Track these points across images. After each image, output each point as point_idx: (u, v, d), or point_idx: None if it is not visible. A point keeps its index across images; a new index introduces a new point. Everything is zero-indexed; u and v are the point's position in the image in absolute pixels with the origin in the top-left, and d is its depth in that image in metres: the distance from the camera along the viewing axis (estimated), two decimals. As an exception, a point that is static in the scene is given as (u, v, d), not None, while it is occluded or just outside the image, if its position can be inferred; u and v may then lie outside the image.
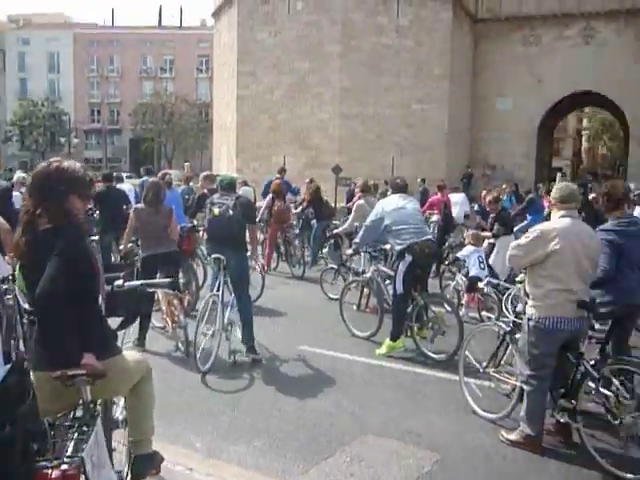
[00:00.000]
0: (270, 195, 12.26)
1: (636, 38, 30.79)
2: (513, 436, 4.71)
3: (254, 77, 29.39)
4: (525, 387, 4.58)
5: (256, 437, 4.82)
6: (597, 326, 5.57)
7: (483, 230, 9.57)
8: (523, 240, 4.56)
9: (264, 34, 29.11)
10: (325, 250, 11.59)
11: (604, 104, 36.01)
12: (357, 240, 7.45)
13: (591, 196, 13.67)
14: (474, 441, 4.84)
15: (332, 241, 11.50)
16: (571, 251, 4.37)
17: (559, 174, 31.05)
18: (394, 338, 6.86)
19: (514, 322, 4.89)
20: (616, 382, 4.47)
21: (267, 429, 4.98)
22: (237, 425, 5.06)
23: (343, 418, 5.22)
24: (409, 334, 7.00)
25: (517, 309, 4.88)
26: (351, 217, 9.93)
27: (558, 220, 4.51)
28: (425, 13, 28.87)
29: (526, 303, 4.61)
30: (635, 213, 10.91)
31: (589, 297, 4.56)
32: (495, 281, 6.73)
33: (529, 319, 4.50)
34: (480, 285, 7.41)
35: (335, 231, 10.80)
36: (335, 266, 9.92)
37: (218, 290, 6.52)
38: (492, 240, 8.92)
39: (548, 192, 17.75)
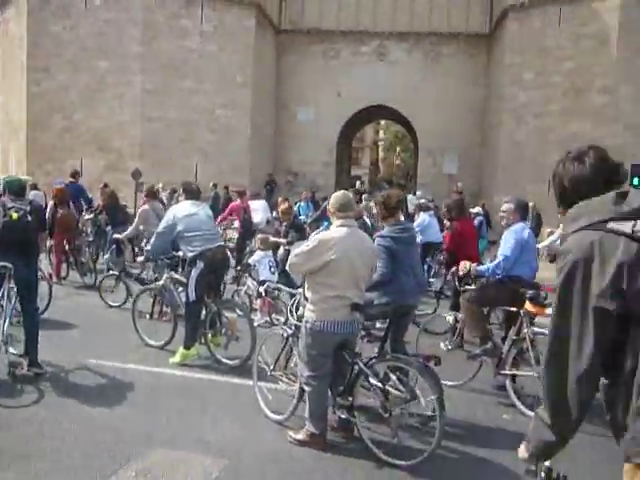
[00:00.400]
0: (52, 201, 11.50)
1: (424, 58, 33.60)
2: (300, 436, 4.87)
3: (47, 73, 27.50)
4: (306, 387, 4.76)
5: (28, 461, 4.47)
6: (378, 325, 5.98)
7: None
8: (303, 248, 4.72)
9: (58, 27, 27.35)
10: (107, 256, 11.11)
11: (397, 118, 38.79)
12: (149, 247, 7.26)
13: (364, 203, 14.52)
14: (264, 444, 4.93)
15: (114, 246, 11.05)
16: (347, 260, 4.60)
17: (358, 182, 32.86)
18: (187, 346, 6.78)
19: (296, 325, 5.06)
20: (393, 377, 4.81)
21: (43, 450, 4.64)
22: (8, 449, 4.65)
23: (130, 432, 5.04)
24: (203, 341, 6.97)
25: (299, 313, 5.06)
26: (135, 222, 9.67)
27: (336, 229, 4.73)
28: (229, 19, 29.02)
29: (305, 307, 4.80)
30: (419, 220, 11.87)
31: (364, 300, 4.85)
32: (273, 285, 6.93)
33: (306, 322, 4.69)
34: (260, 289, 7.58)
35: (116, 236, 10.38)
36: (117, 272, 9.53)
37: (2, 300, 6.03)
38: (287, 247, 9.17)
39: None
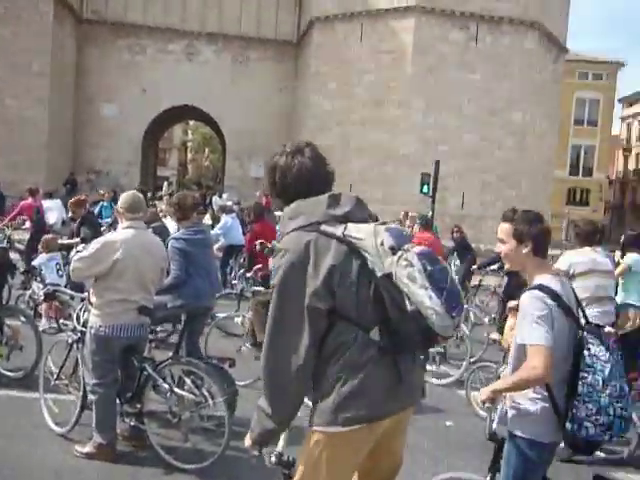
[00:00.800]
0: None
1: (232, 61, 33.74)
2: (87, 448, 4.62)
3: None
4: (92, 396, 4.55)
5: None
6: (159, 328, 5.87)
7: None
8: (86, 252, 4.50)
9: None
10: None
11: (205, 119, 38.54)
12: None
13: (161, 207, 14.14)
14: (47, 460, 4.61)
15: None
16: (133, 262, 4.46)
17: (166, 183, 32.14)
18: (-42, 361, 6.14)
19: (82, 331, 4.83)
20: (188, 381, 4.74)
21: None
22: None
23: None
24: (-20, 353, 6.35)
25: (85, 318, 4.83)
26: None
27: (123, 231, 4.56)
28: (23, 3, 26.91)
29: (90, 312, 4.59)
30: (222, 222, 11.94)
31: (155, 303, 4.75)
32: (52, 288, 6.55)
33: (91, 327, 4.50)
34: (41, 293, 7.13)
35: None
36: None
37: None
38: (81, 246, 8.64)
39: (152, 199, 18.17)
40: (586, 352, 2.73)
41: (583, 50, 49.26)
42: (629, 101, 62.03)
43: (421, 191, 20.24)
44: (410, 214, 14.53)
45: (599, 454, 5.17)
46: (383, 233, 2.31)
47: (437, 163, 19.90)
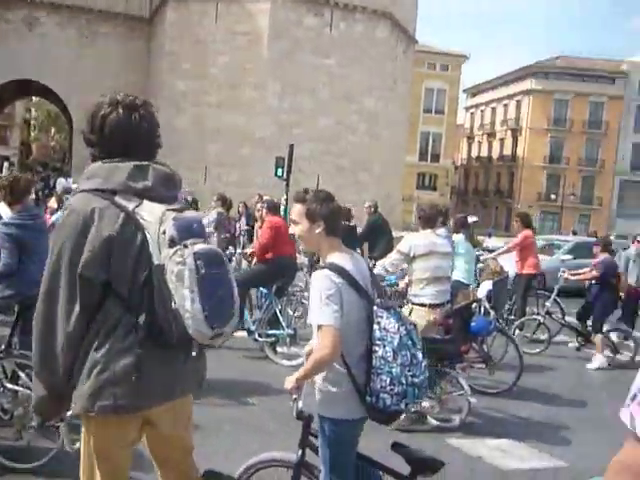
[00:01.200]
0: None
1: (78, 35, 31.94)
2: None
3: None
4: None
5: None
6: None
7: None
8: None
9: None
10: None
11: (50, 96, 36.27)
12: None
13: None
14: None
15: None
16: None
17: (6, 163, 29.89)
18: None
19: None
20: (23, 375, 4.45)
21: None
22: None
23: None
24: None
25: None
26: None
27: None
28: None
29: None
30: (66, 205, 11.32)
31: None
32: None
33: None
34: None
35: None
36: None
37: None
38: None
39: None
40: (376, 326, 2.79)
41: (432, 43, 51.86)
42: (472, 92, 66.26)
43: (276, 174, 20.37)
44: (265, 197, 14.57)
45: (433, 422, 5.52)
46: (169, 221, 2.19)
47: (291, 147, 20.10)
